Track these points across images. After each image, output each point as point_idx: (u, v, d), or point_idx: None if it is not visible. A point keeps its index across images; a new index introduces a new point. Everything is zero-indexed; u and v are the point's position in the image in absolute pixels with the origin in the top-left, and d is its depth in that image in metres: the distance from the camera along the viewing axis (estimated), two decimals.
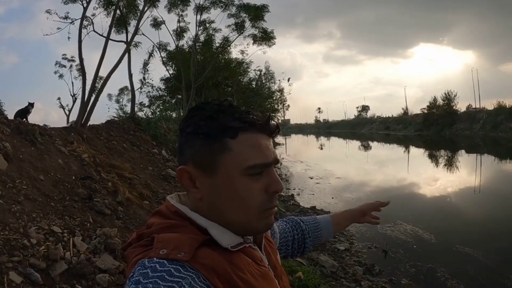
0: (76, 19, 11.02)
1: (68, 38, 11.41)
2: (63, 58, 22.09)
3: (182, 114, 13.85)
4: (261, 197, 0.73)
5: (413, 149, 28.36)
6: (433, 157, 21.19)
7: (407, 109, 57.71)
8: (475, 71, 53.49)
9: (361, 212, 1.30)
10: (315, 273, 4.52)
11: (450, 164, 17.74)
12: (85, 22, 9.58)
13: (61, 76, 22.15)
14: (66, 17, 11.51)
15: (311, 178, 13.77)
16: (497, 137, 30.49)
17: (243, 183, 0.71)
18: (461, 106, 43.27)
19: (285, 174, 15.22)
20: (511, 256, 5.57)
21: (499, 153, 20.68)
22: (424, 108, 46.52)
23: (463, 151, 22.88)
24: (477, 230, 6.91)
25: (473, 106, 43.49)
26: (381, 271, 5.14)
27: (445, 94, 42.42)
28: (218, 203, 0.72)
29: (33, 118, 8.57)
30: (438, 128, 41.44)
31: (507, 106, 35.16)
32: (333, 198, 10.25)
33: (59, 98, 24.66)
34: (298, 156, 24.23)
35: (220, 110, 0.73)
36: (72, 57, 21.19)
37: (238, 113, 0.73)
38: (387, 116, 64.20)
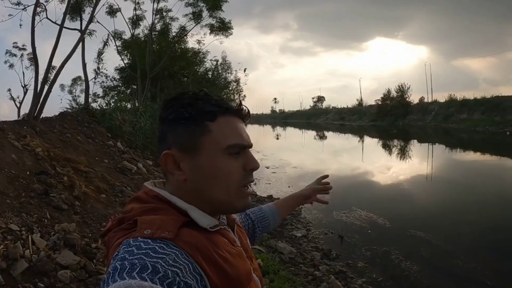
0: (29, 5, 10.69)
1: (20, 25, 11.05)
2: (13, 47, 20.87)
3: (137, 104, 13.54)
4: (240, 174, 0.80)
5: (367, 139, 29.32)
6: (387, 147, 22.04)
7: (361, 100, 59.44)
8: (428, 65, 56.01)
9: (304, 196, 1.37)
10: (274, 260, 4.67)
11: (403, 153, 18.56)
12: (38, 9, 9.14)
13: (11, 66, 20.92)
14: (18, 3, 11.04)
15: (268, 168, 13.82)
16: (448, 128, 32.26)
17: (224, 161, 0.78)
18: (414, 98, 45.27)
19: None
20: (461, 237, 5.94)
21: (450, 143, 21.78)
22: (379, 100, 48.21)
23: (415, 140, 23.89)
24: (429, 215, 7.27)
25: (426, 99, 45.43)
26: (338, 256, 5.34)
27: (399, 86, 44.16)
28: (202, 182, 0.78)
29: None
30: (392, 118, 42.99)
31: (458, 99, 37.29)
32: (289, 186, 10.38)
33: (9, 90, 23.36)
34: (255, 146, 23.70)
35: (198, 98, 0.80)
36: (23, 45, 20.13)
37: (214, 100, 0.81)
38: (342, 107, 65.79)
